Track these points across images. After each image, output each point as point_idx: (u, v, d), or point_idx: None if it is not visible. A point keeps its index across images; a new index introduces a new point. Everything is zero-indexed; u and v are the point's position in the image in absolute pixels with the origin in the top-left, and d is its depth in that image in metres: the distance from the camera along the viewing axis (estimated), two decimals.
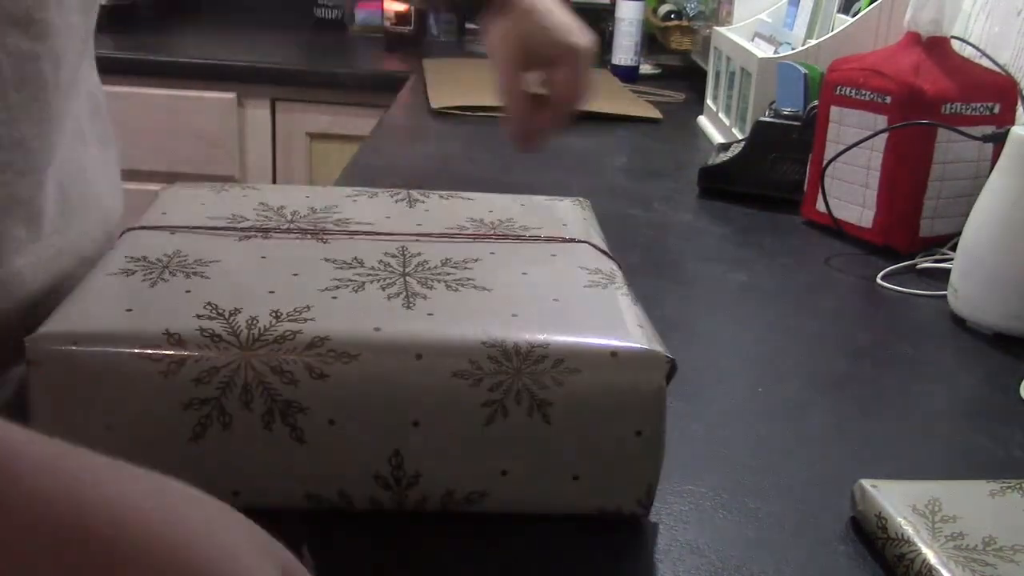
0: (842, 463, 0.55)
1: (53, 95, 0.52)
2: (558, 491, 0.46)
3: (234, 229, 0.55)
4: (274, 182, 1.96)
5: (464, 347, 0.44)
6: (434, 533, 0.46)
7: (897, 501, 0.47)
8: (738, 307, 0.78)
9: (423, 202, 0.63)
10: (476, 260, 0.54)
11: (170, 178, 1.80)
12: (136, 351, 0.43)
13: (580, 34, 0.75)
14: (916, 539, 0.44)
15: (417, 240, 0.56)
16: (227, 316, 0.45)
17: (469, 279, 0.51)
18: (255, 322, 0.44)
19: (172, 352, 0.43)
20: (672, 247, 0.90)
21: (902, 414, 0.62)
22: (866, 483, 0.49)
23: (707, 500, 0.50)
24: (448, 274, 0.51)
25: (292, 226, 0.57)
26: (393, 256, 0.53)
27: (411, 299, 0.48)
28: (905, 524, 0.45)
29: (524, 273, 0.53)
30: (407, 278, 0.50)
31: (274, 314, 0.45)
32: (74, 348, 0.43)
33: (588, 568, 0.45)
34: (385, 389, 0.44)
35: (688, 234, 0.95)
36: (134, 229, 0.55)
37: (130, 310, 0.45)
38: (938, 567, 0.43)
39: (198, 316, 0.44)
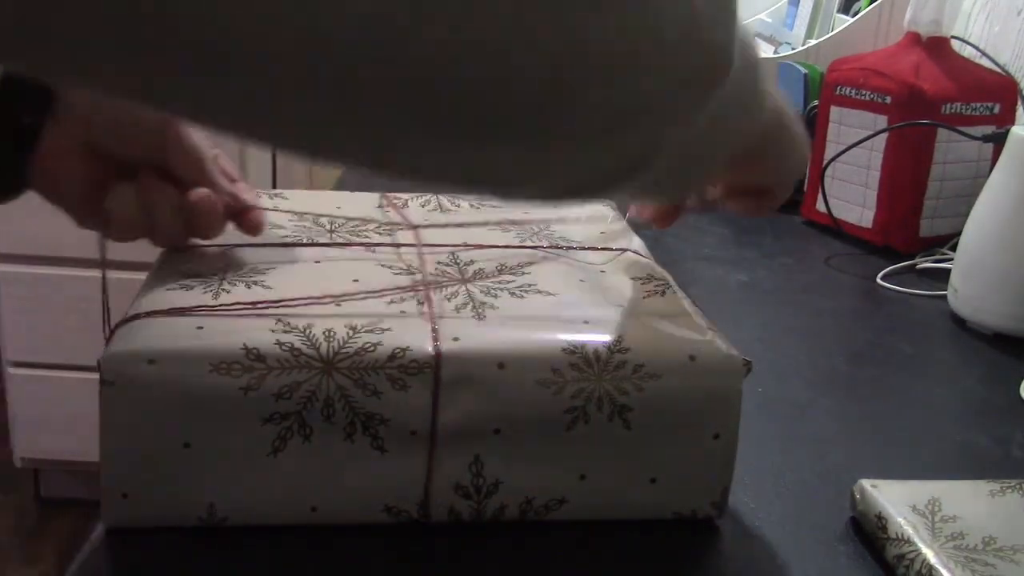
0: (842, 463, 0.55)
1: None
2: (635, 496, 0.47)
3: (277, 245, 0.54)
4: (274, 183, 1.96)
5: (546, 355, 0.44)
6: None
7: (897, 501, 0.47)
8: (738, 307, 0.78)
9: (454, 211, 0.63)
10: (531, 263, 0.54)
11: None
12: (215, 368, 0.42)
13: None
14: (916, 539, 0.44)
15: (467, 248, 0.56)
16: (302, 328, 0.44)
17: (531, 284, 0.51)
18: (332, 334, 0.44)
19: (252, 368, 0.42)
20: (672, 247, 0.90)
21: (902, 414, 0.62)
22: (866, 483, 0.49)
23: None
24: (509, 281, 0.51)
25: (335, 237, 0.56)
26: (448, 265, 0.53)
27: (479, 308, 0.48)
28: (905, 524, 0.45)
29: (582, 279, 0.53)
30: (468, 286, 0.50)
31: (350, 327, 0.45)
32: (152, 367, 0.42)
33: (587, 569, 0.45)
34: (467, 399, 0.44)
35: (688, 234, 0.95)
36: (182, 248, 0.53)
37: (200, 327, 0.44)
38: (938, 567, 0.43)
39: (272, 330, 0.44)
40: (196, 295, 0.47)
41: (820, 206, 0.95)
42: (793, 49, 1.23)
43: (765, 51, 1.28)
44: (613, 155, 0.32)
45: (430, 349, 0.44)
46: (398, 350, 0.43)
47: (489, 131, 0.27)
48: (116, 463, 0.43)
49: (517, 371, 0.44)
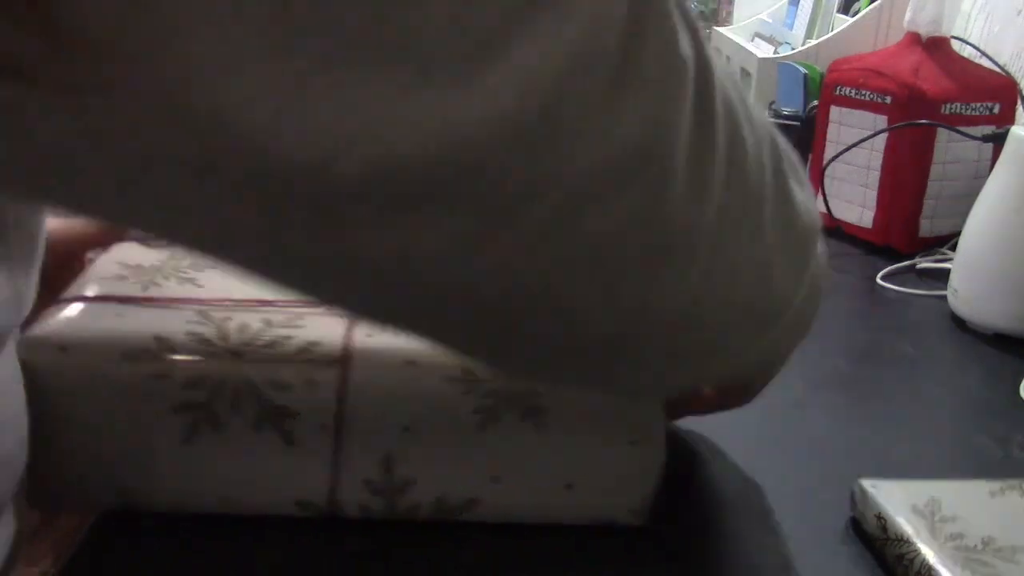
0: (842, 463, 0.55)
1: None
2: (551, 500, 0.46)
3: None
4: None
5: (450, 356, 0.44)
6: (428, 539, 0.46)
7: (897, 501, 0.47)
8: None
9: None
10: None
11: None
12: (125, 356, 0.42)
13: None
14: (916, 539, 0.44)
15: None
16: (218, 321, 0.45)
17: None
18: (246, 328, 0.44)
19: (161, 357, 0.42)
20: None
21: (902, 414, 0.62)
22: (866, 483, 0.49)
23: (707, 500, 0.50)
24: None
25: None
26: None
27: None
28: (905, 524, 0.45)
29: None
30: None
31: (265, 322, 0.45)
32: (63, 354, 0.42)
33: (587, 570, 0.45)
34: (376, 395, 0.43)
35: None
36: (127, 241, 0.53)
37: (120, 315, 0.45)
38: (938, 567, 0.43)
39: (188, 321, 0.44)
40: (126, 285, 0.47)
41: (820, 206, 0.95)
42: (793, 49, 1.23)
43: (765, 51, 1.28)
44: (668, 382, 0.36)
45: (339, 343, 0.44)
46: (309, 344, 0.43)
47: (562, 367, 0.32)
48: (35, 446, 0.43)
49: (427, 368, 0.44)
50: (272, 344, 0.43)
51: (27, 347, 0.42)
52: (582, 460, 0.45)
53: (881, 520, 0.46)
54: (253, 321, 0.45)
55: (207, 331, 0.44)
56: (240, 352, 0.43)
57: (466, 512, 0.46)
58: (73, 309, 0.45)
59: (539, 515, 0.47)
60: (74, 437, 0.43)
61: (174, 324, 0.44)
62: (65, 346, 0.42)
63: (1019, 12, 1.05)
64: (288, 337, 0.44)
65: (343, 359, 0.43)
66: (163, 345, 0.43)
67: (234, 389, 0.43)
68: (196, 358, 0.43)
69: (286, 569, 0.44)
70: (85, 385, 0.42)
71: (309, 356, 0.43)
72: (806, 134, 0.99)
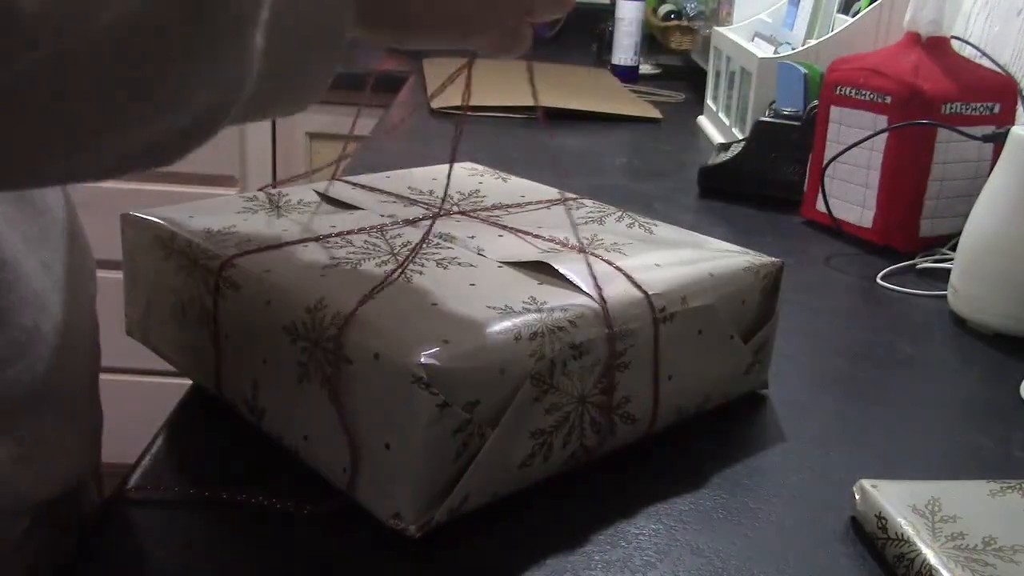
0: (842, 463, 0.55)
1: None
2: (345, 476, 0.45)
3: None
4: (274, 175, 1.95)
5: (291, 306, 0.47)
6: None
7: (897, 501, 0.47)
8: None
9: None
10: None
11: (170, 178, 1.80)
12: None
13: None
14: (916, 539, 0.44)
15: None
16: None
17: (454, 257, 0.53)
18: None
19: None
20: None
21: (902, 414, 0.62)
22: (866, 483, 0.49)
23: (707, 500, 0.50)
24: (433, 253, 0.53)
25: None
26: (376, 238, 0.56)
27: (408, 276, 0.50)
28: (905, 524, 0.45)
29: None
30: (396, 257, 0.52)
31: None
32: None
33: (586, 570, 0.45)
34: (249, 324, 0.49)
35: None
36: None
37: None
38: (938, 567, 0.43)
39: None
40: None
41: (820, 206, 0.95)
42: (793, 49, 1.23)
43: (765, 51, 1.28)
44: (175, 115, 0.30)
45: (250, 272, 0.50)
46: (228, 262, 0.52)
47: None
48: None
49: (276, 312, 0.47)
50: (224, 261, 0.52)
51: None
52: (358, 445, 0.45)
53: (881, 520, 0.46)
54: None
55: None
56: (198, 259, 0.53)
57: (300, 455, 0.48)
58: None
59: (336, 482, 0.46)
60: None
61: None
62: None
63: (1019, 12, 1.05)
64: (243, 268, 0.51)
65: (239, 284, 0.49)
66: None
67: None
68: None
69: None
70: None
71: (232, 272, 0.50)
72: (806, 134, 0.99)
